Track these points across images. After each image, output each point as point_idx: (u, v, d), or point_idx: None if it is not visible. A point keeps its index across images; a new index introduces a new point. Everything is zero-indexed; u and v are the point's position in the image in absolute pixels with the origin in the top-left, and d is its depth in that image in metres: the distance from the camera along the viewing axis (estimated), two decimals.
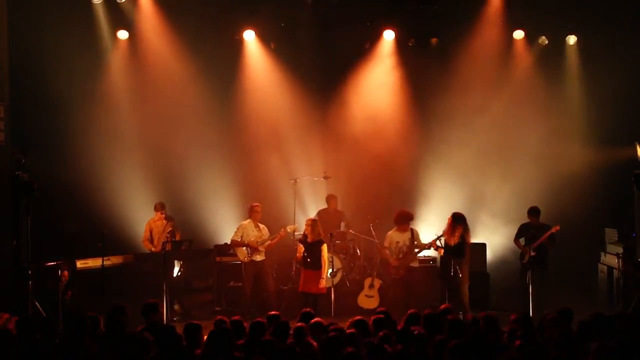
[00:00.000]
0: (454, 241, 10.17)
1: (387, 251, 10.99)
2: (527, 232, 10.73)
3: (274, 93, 13.37)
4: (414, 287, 10.89)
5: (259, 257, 11.19)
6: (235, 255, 11.53)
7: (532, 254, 10.48)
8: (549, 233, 10.63)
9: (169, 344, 6.04)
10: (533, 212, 11.03)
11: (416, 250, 10.95)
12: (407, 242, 10.92)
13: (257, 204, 11.43)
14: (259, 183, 13.30)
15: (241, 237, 11.24)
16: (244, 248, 11.20)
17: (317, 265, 10.55)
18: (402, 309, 8.30)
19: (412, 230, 11.07)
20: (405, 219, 11.07)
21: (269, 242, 11.22)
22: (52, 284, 10.05)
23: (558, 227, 10.63)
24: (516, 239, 11.03)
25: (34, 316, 8.89)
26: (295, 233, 11.92)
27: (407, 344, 5.94)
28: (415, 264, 11.10)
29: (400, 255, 10.91)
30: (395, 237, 11.04)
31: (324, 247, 10.66)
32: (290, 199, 12.53)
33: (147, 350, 5.84)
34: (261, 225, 11.35)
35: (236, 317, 7.16)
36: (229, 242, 11.78)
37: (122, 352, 5.88)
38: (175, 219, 11.97)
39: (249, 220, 11.37)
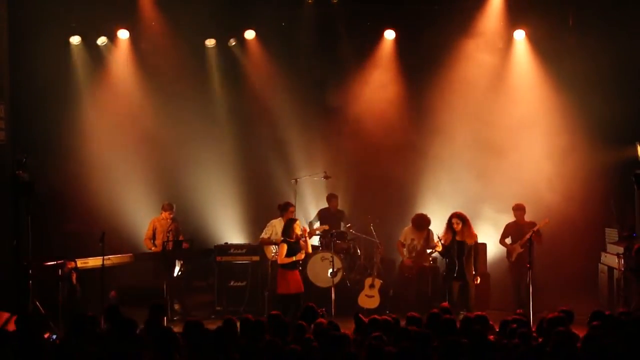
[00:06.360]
0: (473, 240, 10.01)
1: (404, 248, 11.02)
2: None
3: (274, 92, 13.35)
4: (424, 287, 10.90)
5: None
6: (235, 255, 11.53)
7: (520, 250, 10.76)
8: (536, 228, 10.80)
9: (167, 344, 6.05)
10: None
11: (429, 250, 11.00)
12: (422, 242, 10.96)
13: (291, 203, 11.35)
14: (260, 183, 13.30)
15: (270, 235, 11.16)
16: (272, 246, 11.13)
17: (298, 264, 10.36)
18: (411, 309, 8.30)
19: (428, 230, 11.11)
20: (424, 226, 11.15)
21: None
22: (52, 283, 10.09)
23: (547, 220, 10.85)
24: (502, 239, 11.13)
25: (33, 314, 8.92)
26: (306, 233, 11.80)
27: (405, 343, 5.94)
28: (427, 264, 11.12)
29: (414, 254, 10.94)
30: (410, 234, 11.11)
31: None
32: (291, 198, 12.50)
33: (146, 350, 5.84)
34: None
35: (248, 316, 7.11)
36: (228, 242, 11.86)
37: (122, 351, 5.88)
38: (178, 220, 11.95)
39: (279, 218, 11.26)
